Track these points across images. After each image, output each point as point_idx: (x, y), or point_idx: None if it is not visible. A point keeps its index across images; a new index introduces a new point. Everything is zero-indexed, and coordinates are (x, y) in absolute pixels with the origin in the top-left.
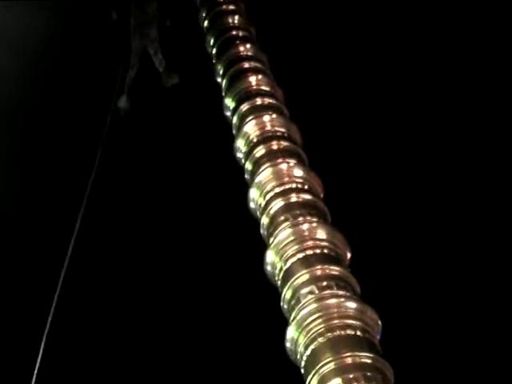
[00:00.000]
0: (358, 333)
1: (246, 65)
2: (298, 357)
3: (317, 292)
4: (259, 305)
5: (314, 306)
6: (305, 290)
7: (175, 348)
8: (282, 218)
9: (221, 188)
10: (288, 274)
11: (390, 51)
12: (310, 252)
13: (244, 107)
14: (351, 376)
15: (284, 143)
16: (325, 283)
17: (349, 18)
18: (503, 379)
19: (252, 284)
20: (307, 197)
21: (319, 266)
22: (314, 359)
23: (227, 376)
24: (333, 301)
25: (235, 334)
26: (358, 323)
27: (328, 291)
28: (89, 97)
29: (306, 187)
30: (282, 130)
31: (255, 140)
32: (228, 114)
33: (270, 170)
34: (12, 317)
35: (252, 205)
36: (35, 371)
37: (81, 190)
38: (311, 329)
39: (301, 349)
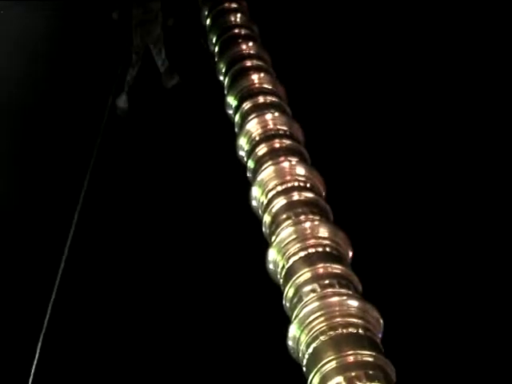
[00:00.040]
0: (360, 331)
1: (249, 63)
2: (300, 355)
3: (319, 290)
4: (261, 303)
5: (316, 304)
6: (307, 289)
7: (176, 347)
8: (284, 216)
9: (223, 186)
10: (290, 273)
11: (393, 49)
12: (312, 250)
13: (246, 105)
14: (353, 374)
15: (286, 141)
16: (327, 281)
17: (351, 16)
18: (503, 378)
19: (254, 282)
20: (309, 195)
21: (321, 265)
22: (315, 357)
23: (229, 374)
24: (335, 299)
25: (237, 332)
26: (360, 321)
27: (330, 289)
28: (89, 97)
29: (308, 185)
30: (285, 128)
31: (257, 138)
32: (230, 112)
33: (272, 168)
34: (9, 316)
35: (254, 203)
36: (32, 371)
37: (80, 190)
38: (313, 327)
39: (303, 347)
